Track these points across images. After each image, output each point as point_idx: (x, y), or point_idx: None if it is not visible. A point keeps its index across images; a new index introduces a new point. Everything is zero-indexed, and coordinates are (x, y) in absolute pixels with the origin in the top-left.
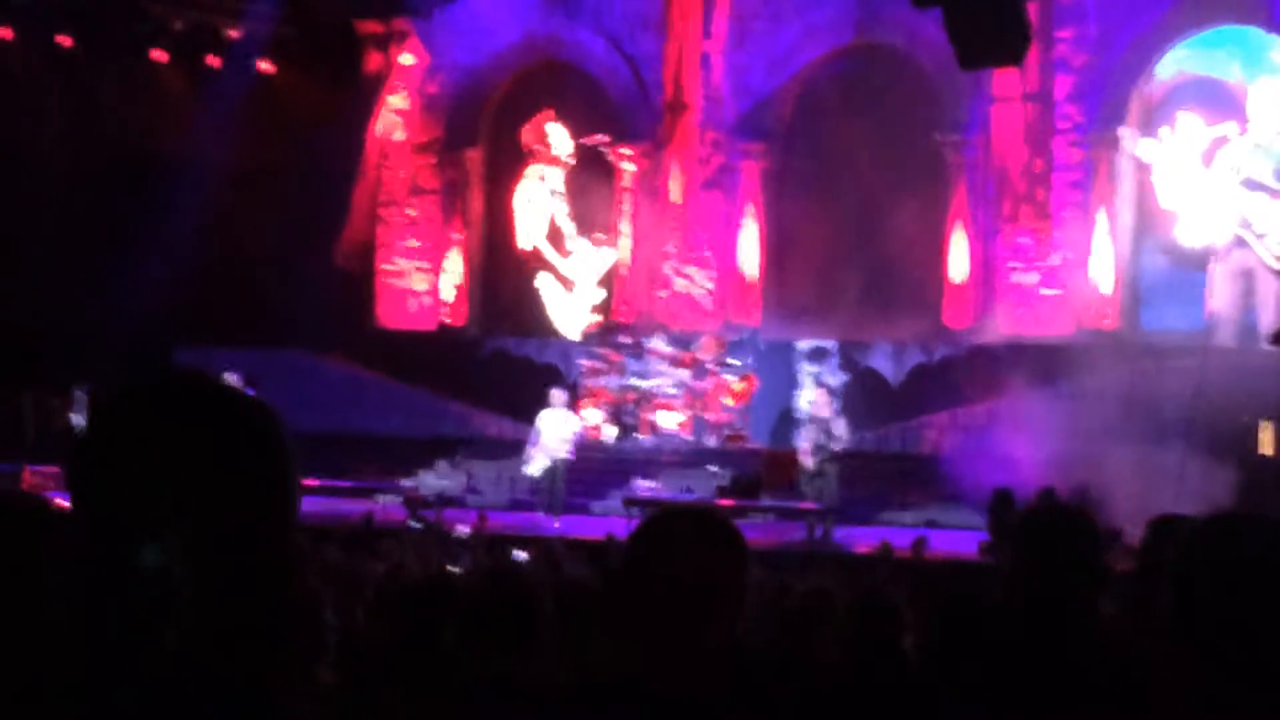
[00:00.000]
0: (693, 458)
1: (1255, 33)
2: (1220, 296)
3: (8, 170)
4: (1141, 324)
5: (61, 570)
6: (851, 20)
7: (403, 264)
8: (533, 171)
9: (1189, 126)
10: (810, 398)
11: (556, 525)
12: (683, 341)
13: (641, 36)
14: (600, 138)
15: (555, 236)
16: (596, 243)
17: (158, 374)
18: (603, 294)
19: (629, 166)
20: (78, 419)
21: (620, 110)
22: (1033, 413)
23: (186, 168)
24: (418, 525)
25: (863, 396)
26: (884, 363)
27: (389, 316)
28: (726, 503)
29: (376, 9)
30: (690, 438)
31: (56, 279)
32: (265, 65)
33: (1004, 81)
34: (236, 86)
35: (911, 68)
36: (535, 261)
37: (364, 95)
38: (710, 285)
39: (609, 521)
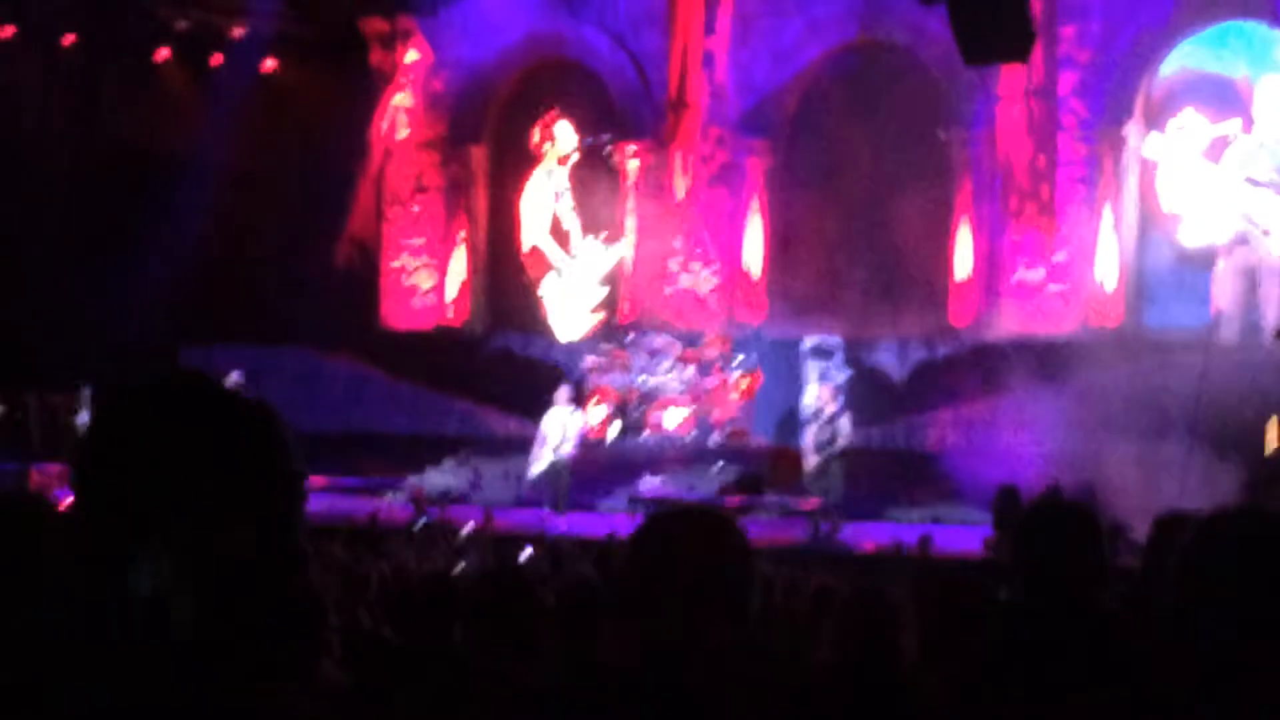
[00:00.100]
0: (697, 455)
1: (1261, 29)
2: (1225, 293)
3: (10, 170)
4: (1146, 321)
5: (62, 570)
6: (856, 16)
7: (408, 261)
8: (540, 170)
9: (1193, 123)
10: (815, 395)
11: (563, 523)
12: (687, 339)
13: (645, 33)
14: (601, 137)
15: (560, 235)
16: (601, 240)
17: (158, 374)
18: (606, 292)
19: (633, 164)
20: (83, 418)
21: (624, 107)
22: (1037, 409)
23: (190, 167)
24: (423, 523)
25: (867, 393)
26: (888, 359)
27: (394, 314)
28: (731, 500)
29: (381, 6)
30: (695, 435)
31: (59, 278)
32: (269, 63)
33: (1008, 78)
34: (239, 85)
35: (916, 64)
36: (540, 260)
37: (368, 93)
38: (714, 282)
39: (614, 519)
